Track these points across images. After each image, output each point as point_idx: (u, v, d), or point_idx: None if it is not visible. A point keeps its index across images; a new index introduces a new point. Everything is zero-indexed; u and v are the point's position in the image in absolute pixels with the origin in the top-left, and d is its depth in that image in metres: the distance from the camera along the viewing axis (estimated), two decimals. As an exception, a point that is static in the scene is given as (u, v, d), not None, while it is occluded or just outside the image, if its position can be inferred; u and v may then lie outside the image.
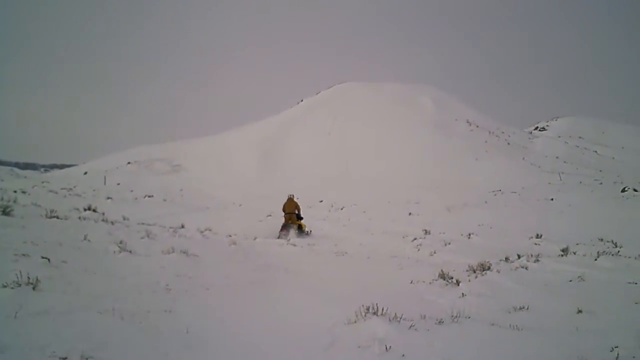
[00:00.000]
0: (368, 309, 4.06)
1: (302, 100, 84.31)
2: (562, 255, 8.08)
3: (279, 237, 13.01)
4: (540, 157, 55.62)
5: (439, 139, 57.47)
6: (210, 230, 10.97)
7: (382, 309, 4.01)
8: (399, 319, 3.93)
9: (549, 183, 35.12)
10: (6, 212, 7.43)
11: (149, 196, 28.35)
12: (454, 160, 49.33)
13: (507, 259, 7.89)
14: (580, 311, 4.45)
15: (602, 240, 10.44)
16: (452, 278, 6.13)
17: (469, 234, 12.51)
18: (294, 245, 10.67)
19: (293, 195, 15.87)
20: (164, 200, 27.77)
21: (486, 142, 58.20)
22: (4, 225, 6.41)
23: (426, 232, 13.61)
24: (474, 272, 6.71)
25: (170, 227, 10.12)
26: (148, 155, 57.95)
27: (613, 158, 63.46)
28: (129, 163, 54.38)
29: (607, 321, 4.15)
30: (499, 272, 6.67)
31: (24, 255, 4.64)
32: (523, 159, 53.08)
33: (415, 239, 12.34)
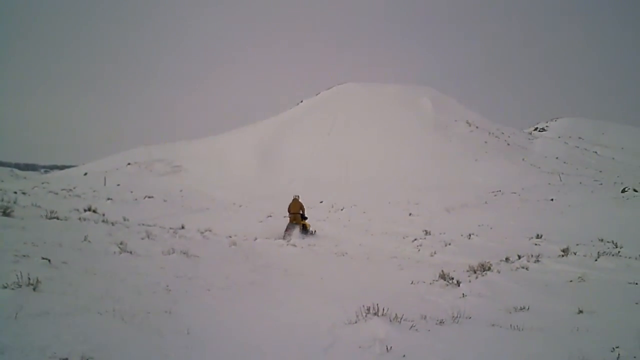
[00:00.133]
0: (369, 309, 4.06)
1: (302, 101, 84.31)
2: (562, 256, 8.08)
3: (284, 237, 13.39)
4: (540, 157, 55.56)
5: (438, 140, 57.46)
6: (210, 231, 10.97)
7: (383, 310, 4.01)
8: (399, 320, 3.93)
9: (549, 183, 35.09)
10: (6, 213, 7.43)
11: (149, 197, 28.32)
12: (454, 161, 49.29)
13: (507, 259, 7.90)
14: (580, 311, 4.45)
15: (602, 240, 10.44)
16: (452, 278, 6.14)
17: (469, 235, 12.51)
18: (294, 245, 10.68)
19: (298, 196, 16.18)
20: (164, 201, 27.74)
21: (486, 142, 58.17)
22: (4, 226, 6.40)
23: (426, 232, 13.62)
24: (475, 272, 6.71)
25: (171, 228, 10.11)
26: (148, 156, 57.93)
27: (613, 159, 63.42)
28: (129, 164, 54.33)
29: (607, 321, 4.15)
30: (499, 272, 6.67)
31: (24, 256, 4.64)
32: (523, 159, 53.04)
33: (415, 239, 12.36)
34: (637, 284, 5.77)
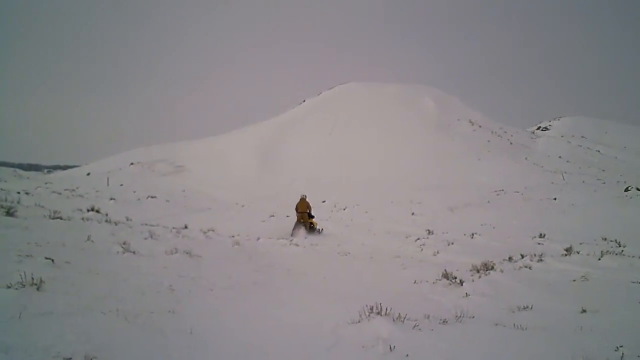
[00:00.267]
0: (372, 308, 4.06)
1: (304, 101, 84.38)
2: (565, 255, 8.05)
3: (292, 234, 14.36)
4: (542, 156, 55.48)
5: (441, 139, 57.43)
6: (213, 230, 10.98)
7: (386, 309, 4.01)
8: (402, 319, 3.92)
9: (552, 183, 35.03)
10: (10, 213, 7.45)
11: (152, 197, 28.38)
12: (457, 160, 49.25)
13: (510, 258, 7.88)
14: (584, 311, 4.44)
15: (605, 239, 10.40)
16: (455, 278, 6.13)
17: (472, 234, 12.49)
18: (297, 245, 10.68)
19: (305, 196, 16.59)
20: (167, 201, 27.80)
21: (489, 142, 58.11)
22: (8, 226, 6.42)
23: (429, 232, 13.60)
24: (478, 272, 6.70)
25: (174, 228, 10.12)
26: (150, 157, 58.06)
27: (616, 158, 63.27)
28: (131, 164, 54.47)
29: (611, 320, 4.14)
30: (502, 271, 6.65)
31: (27, 256, 4.65)
32: (526, 158, 52.96)
33: (418, 238, 12.33)
34: (640, 283, 5.75)
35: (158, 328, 3.42)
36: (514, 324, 4.03)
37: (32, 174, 73.86)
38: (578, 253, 8.12)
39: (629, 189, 21.74)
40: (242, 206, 27.76)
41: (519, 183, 34.70)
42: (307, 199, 16.31)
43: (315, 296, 5.45)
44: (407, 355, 3.25)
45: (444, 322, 4.10)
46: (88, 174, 48.93)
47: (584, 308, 4.47)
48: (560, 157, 56.01)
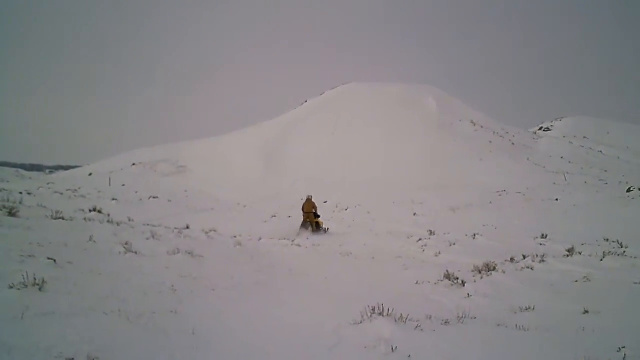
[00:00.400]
0: (374, 309, 4.06)
1: (306, 101, 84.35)
2: (567, 256, 8.04)
3: (298, 234, 14.72)
4: (544, 157, 55.34)
5: (443, 140, 57.32)
6: (215, 231, 10.98)
7: (388, 310, 4.01)
8: (404, 320, 3.92)
9: (554, 183, 34.95)
10: (12, 213, 7.47)
11: (154, 197, 28.41)
12: (458, 160, 49.16)
13: (512, 259, 7.87)
14: (586, 311, 4.43)
15: (607, 240, 10.38)
16: (457, 279, 6.12)
17: (474, 235, 12.47)
18: (299, 246, 10.69)
19: (311, 196, 16.84)
20: (169, 201, 27.85)
21: (490, 142, 57.99)
22: (10, 227, 6.43)
23: (431, 232, 13.59)
24: (480, 272, 6.70)
25: (176, 228, 10.13)
26: (152, 157, 58.08)
27: (618, 158, 63.08)
28: (133, 164, 54.51)
29: (613, 321, 4.13)
30: (504, 272, 6.65)
31: (30, 256, 4.66)
32: (527, 159, 52.84)
33: (420, 239, 12.32)
34: (643, 284, 5.73)
35: (160, 328, 3.43)
36: (516, 325, 4.03)
37: (34, 174, 74.01)
38: (580, 254, 8.11)
39: (631, 189, 21.69)
40: (244, 207, 27.80)
41: (520, 184, 34.63)
42: (312, 200, 16.54)
43: (317, 297, 5.45)
44: (409, 356, 3.25)
45: (446, 322, 4.10)
46: (90, 175, 49.00)
47: (586, 309, 4.46)
48: (562, 157, 55.86)
